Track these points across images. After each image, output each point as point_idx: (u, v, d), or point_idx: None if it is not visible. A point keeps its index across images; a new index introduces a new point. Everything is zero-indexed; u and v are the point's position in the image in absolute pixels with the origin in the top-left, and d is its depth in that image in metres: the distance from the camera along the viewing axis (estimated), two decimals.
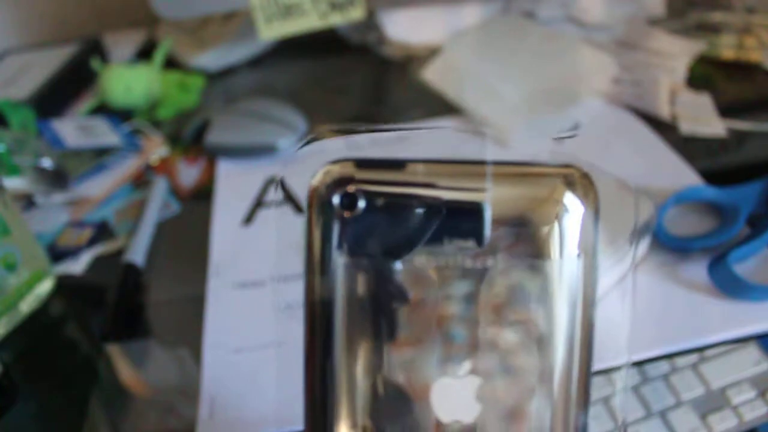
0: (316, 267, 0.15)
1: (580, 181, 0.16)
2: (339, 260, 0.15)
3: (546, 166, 0.16)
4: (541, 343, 0.16)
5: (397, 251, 0.15)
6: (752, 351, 0.30)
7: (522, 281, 0.16)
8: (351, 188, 0.15)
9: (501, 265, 0.16)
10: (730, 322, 0.31)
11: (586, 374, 0.16)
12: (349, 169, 0.15)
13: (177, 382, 0.34)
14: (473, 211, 0.15)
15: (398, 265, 0.15)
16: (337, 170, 0.15)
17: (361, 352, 0.16)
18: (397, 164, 0.16)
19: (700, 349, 0.30)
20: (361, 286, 0.16)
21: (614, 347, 0.30)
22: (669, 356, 0.30)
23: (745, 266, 0.33)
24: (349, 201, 0.15)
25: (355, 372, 0.16)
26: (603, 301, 0.32)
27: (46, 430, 0.33)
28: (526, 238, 0.15)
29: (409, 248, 0.15)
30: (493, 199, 0.15)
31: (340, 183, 0.15)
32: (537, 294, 0.16)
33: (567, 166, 0.16)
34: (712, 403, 0.28)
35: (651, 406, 0.28)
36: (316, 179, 0.15)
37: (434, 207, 0.15)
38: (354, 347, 0.16)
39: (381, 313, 0.16)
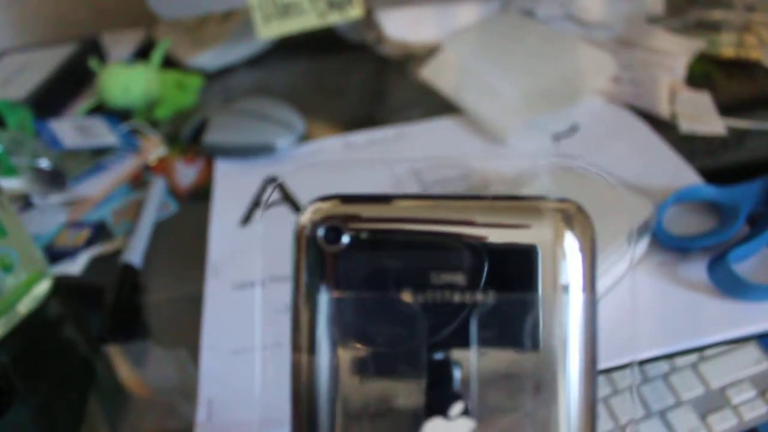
0: (303, 305, 0.15)
1: (577, 218, 0.15)
2: (325, 296, 0.15)
3: (541, 201, 0.15)
4: (539, 384, 0.15)
5: (389, 284, 0.15)
6: (752, 350, 0.30)
7: (515, 318, 0.15)
8: (334, 222, 0.15)
9: (492, 301, 0.15)
10: (730, 321, 0.31)
11: (591, 413, 0.15)
12: (336, 206, 0.15)
13: (175, 382, 0.34)
14: (463, 245, 0.15)
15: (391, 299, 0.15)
16: (325, 207, 0.15)
17: (356, 389, 0.15)
18: (383, 199, 0.15)
19: (699, 349, 0.30)
20: (353, 322, 0.15)
21: (618, 346, 0.30)
22: (669, 356, 0.30)
23: (745, 266, 0.33)
24: (333, 235, 0.15)
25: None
26: (603, 300, 0.32)
27: (45, 431, 0.33)
28: (520, 273, 0.15)
29: (398, 282, 0.15)
30: (486, 234, 0.15)
31: (326, 219, 0.15)
32: (530, 331, 0.15)
33: (563, 200, 0.15)
34: (711, 402, 0.28)
35: (651, 405, 0.28)
36: (305, 217, 0.15)
37: (422, 242, 0.15)
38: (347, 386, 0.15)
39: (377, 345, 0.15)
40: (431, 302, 0.15)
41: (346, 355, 0.15)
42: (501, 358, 0.15)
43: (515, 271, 0.15)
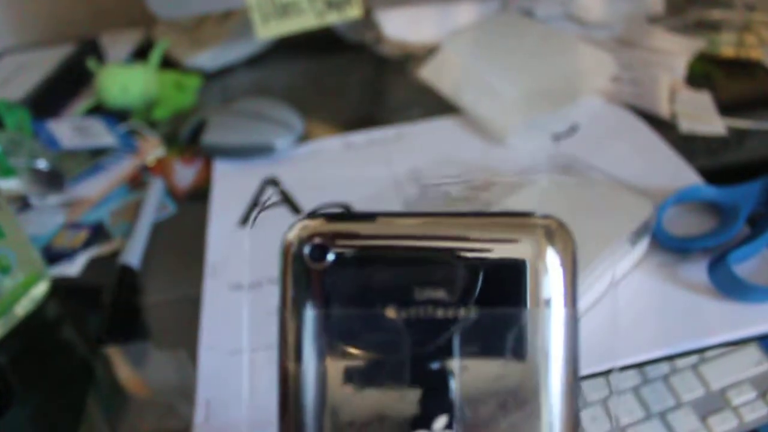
0: (290, 320, 0.16)
1: (559, 233, 0.15)
2: (310, 312, 0.16)
3: (523, 217, 0.16)
4: (521, 397, 0.15)
5: (373, 302, 0.16)
6: (752, 352, 0.30)
7: (498, 332, 0.15)
8: (319, 240, 0.15)
9: (477, 316, 0.15)
10: (730, 323, 0.31)
11: (574, 426, 0.16)
12: (322, 224, 0.16)
13: (174, 383, 0.33)
14: (446, 261, 0.15)
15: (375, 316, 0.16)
16: (311, 225, 0.16)
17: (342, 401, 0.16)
18: (368, 217, 0.16)
19: (700, 351, 0.30)
20: (339, 338, 0.16)
21: (619, 347, 0.30)
22: (669, 357, 0.30)
23: (745, 267, 0.33)
24: (318, 253, 0.15)
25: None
26: (604, 300, 0.32)
27: None
28: (502, 288, 0.15)
29: (383, 299, 0.15)
30: (468, 249, 0.15)
31: (312, 237, 0.16)
32: (513, 345, 0.15)
33: (546, 217, 0.16)
34: (712, 404, 0.28)
35: (651, 407, 0.28)
36: (292, 234, 0.16)
37: (406, 259, 0.15)
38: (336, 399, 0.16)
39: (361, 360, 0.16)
40: (416, 318, 0.15)
41: (332, 370, 0.16)
42: (486, 372, 0.16)
43: (499, 287, 0.15)
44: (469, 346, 0.15)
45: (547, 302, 0.15)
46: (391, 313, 0.15)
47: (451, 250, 0.15)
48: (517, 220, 0.16)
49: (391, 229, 0.16)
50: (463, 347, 0.15)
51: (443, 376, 0.15)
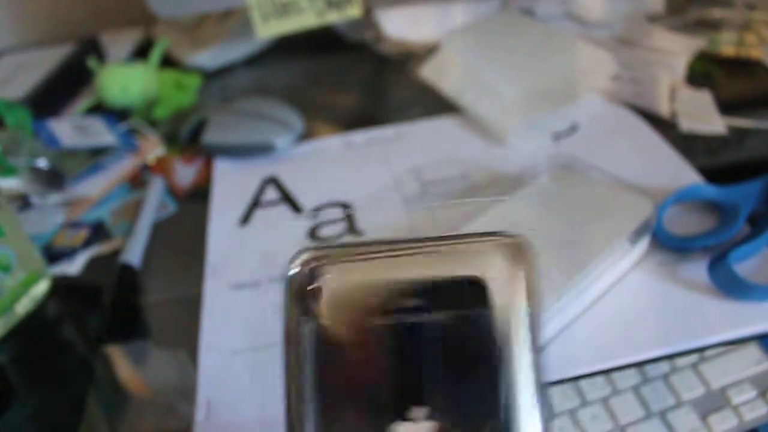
0: (292, 337, 0.18)
1: (519, 249, 0.18)
2: (310, 327, 0.18)
3: (491, 236, 0.18)
4: (496, 393, 0.17)
5: (364, 316, 0.18)
6: (753, 351, 0.30)
7: (475, 337, 0.18)
8: (316, 265, 0.18)
9: (453, 323, 0.18)
10: (731, 322, 0.31)
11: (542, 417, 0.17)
12: (319, 253, 0.18)
13: (174, 382, 0.33)
14: (423, 280, 0.18)
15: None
16: (309, 255, 0.18)
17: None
18: (358, 245, 0.19)
19: (700, 350, 0.30)
20: (337, 350, 0.18)
21: (618, 347, 0.30)
22: (669, 356, 0.30)
23: (746, 266, 0.33)
24: (315, 276, 0.18)
25: None
26: (605, 299, 0.32)
27: (44, 431, 0.32)
28: (471, 300, 0.18)
29: (372, 313, 0.18)
30: (438, 266, 0.18)
31: (309, 263, 0.18)
32: (482, 345, 0.18)
33: (510, 236, 0.18)
34: (712, 403, 0.28)
35: (651, 406, 0.28)
36: (293, 263, 0.18)
37: (388, 278, 0.18)
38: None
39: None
40: (402, 328, 0.18)
41: (331, 378, 0.18)
42: (463, 370, 0.18)
43: (469, 299, 0.18)
44: (448, 350, 0.18)
45: (513, 310, 0.17)
46: (380, 323, 0.18)
47: (427, 272, 0.18)
48: (485, 240, 0.18)
49: (372, 255, 0.18)
50: (443, 352, 0.18)
51: (427, 376, 0.18)
